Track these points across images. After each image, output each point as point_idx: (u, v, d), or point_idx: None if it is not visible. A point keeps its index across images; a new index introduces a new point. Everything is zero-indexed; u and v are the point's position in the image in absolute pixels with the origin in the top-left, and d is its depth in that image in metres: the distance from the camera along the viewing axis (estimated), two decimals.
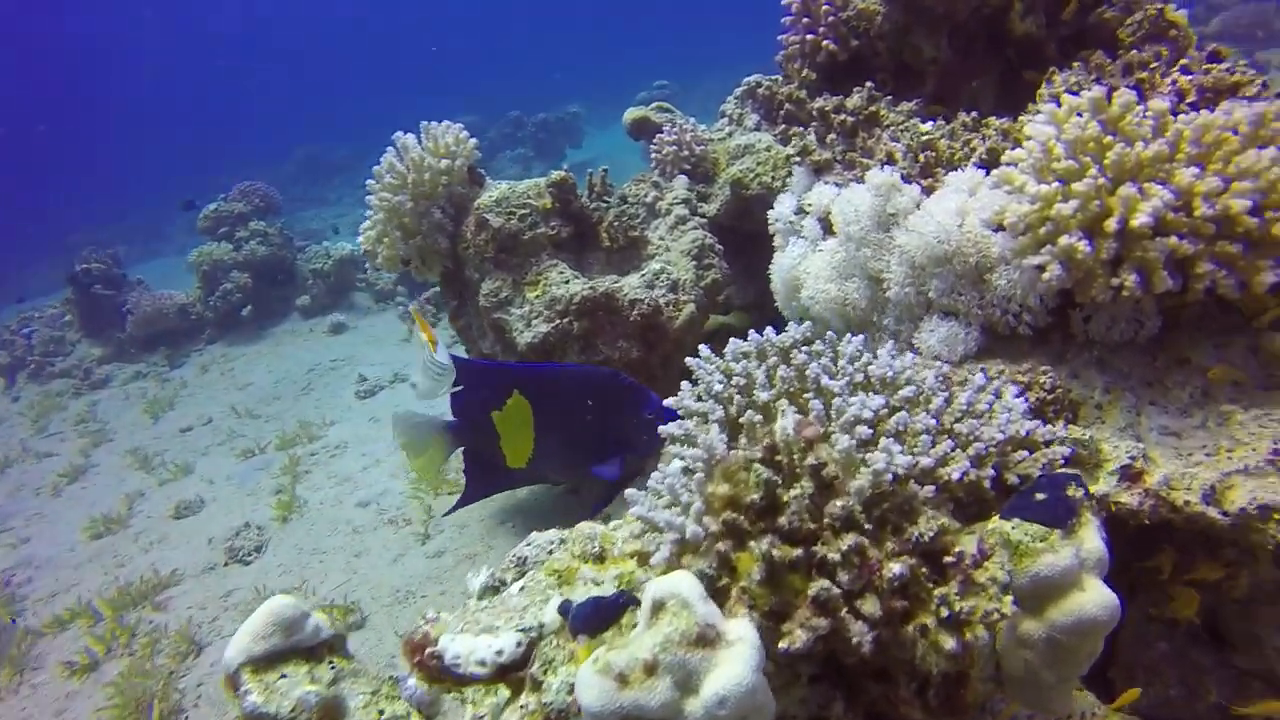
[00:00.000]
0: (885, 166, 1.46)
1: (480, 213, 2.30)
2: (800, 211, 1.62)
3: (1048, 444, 0.94)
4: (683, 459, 0.90)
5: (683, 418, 1.01)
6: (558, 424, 2.06)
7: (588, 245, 2.43)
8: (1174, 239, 0.97)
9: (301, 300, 6.28)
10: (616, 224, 2.31)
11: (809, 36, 1.97)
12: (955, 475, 0.86)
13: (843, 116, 1.60)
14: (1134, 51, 1.26)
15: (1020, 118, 1.45)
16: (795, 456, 0.80)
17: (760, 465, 0.80)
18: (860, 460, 0.83)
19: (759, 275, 2.53)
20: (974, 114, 1.49)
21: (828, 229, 1.56)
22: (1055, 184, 1.03)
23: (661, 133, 2.77)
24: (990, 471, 0.87)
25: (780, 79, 2.58)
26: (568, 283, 2.25)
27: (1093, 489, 1.03)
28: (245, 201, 6.35)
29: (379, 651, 2.25)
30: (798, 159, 1.68)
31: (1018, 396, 1.03)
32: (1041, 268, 1.05)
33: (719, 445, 0.82)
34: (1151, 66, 1.26)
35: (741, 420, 0.91)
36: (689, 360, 1.09)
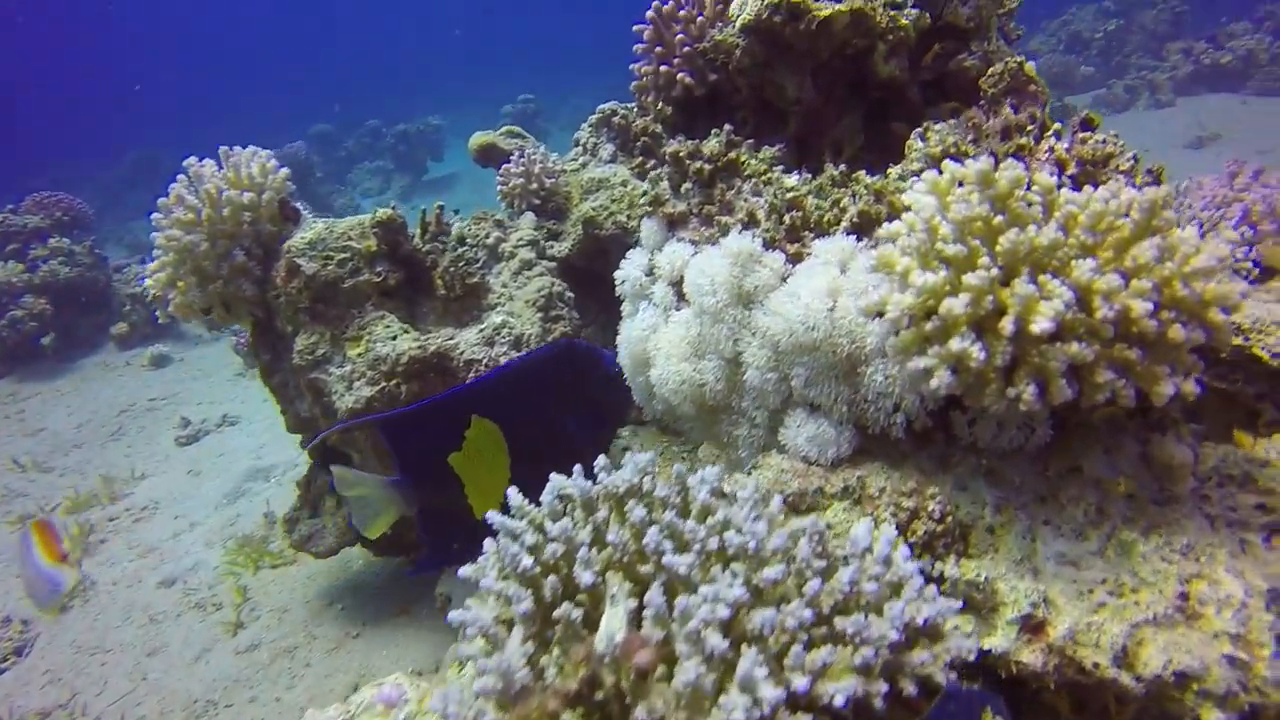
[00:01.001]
0: (746, 230, 1.27)
1: (292, 257, 1.97)
2: (651, 272, 1.41)
3: (949, 631, 0.76)
4: (476, 669, 0.66)
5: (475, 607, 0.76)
6: (535, 435, 1.58)
7: (421, 291, 2.14)
8: (1074, 345, 0.80)
9: (118, 328, 5.57)
10: (453, 270, 2.04)
11: (663, 68, 1.77)
12: (839, 700, 0.65)
13: (699, 164, 1.40)
14: (1009, 110, 1.13)
15: (890, 172, 1.30)
16: (623, 688, 0.58)
17: None
18: (711, 702, 0.61)
19: (616, 320, 2.32)
20: (842, 168, 1.32)
21: (681, 295, 1.35)
22: (943, 272, 0.85)
23: (509, 162, 2.51)
24: (882, 686, 0.68)
25: (636, 108, 2.39)
26: (395, 339, 1.96)
27: (988, 643, 0.86)
28: (43, 215, 5.57)
29: None
30: (649, 208, 1.47)
31: (906, 547, 0.84)
32: (928, 371, 0.87)
33: (517, 670, 0.59)
34: (1028, 130, 1.13)
35: (556, 615, 0.68)
36: (492, 516, 0.84)
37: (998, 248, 0.87)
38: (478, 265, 2.10)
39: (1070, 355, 0.83)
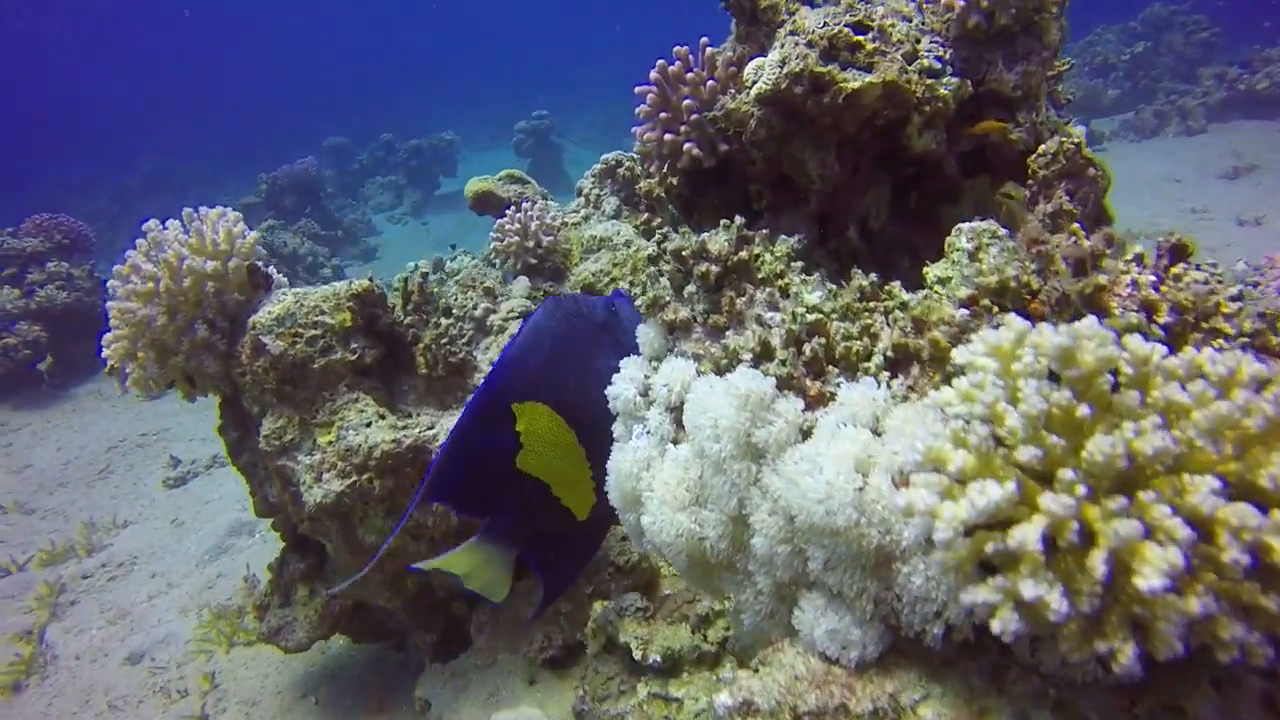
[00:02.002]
0: (757, 364, 1.07)
1: (256, 334, 1.79)
2: (647, 392, 1.21)
3: None
4: None
5: None
6: (584, 393, 1.28)
7: (402, 367, 1.95)
8: (1193, 603, 0.60)
9: None
10: (435, 348, 1.85)
11: (668, 136, 1.58)
12: None
13: (705, 266, 1.20)
14: (1085, 239, 0.92)
15: (933, 286, 1.09)
16: None
17: None
18: None
19: None
20: (873, 278, 1.12)
21: (680, 422, 1.15)
22: (1011, 486, 0.65)
23: (504, 215, 2.32)
24: None
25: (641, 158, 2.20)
26: (368, 426, 1.77)
27: None
28: (42, 238, 5.44)
29: None
30: (645, 308, 1.27)
31: None
32: (989, 607, 0.66)
33: None
34: (1101, 257, 0.92)
35: None
36: None
37: (1084, 457, 0.66)
38: (463, 341, 1.91)
39: (1187, 615, 0.62)
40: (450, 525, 1.78)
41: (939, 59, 1.49)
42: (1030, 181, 1.48)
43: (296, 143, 16.19)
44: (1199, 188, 6.63)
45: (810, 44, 1.40)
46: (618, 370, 1.23)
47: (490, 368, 1.38)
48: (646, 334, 1.32)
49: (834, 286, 1.16)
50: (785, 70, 1.38)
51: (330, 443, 1.77)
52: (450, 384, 1.90)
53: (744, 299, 1.21)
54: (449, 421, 1.79)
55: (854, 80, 1.36)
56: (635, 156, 2.38)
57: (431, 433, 1.76)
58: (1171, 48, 10.32)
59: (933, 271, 1.29)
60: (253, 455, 1.99)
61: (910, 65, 1.43)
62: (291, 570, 2.10)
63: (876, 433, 0.92)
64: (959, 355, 0.81)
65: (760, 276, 1.22)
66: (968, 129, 1.54)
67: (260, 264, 1.96)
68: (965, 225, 1.29)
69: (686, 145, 1.55)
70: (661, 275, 1.32)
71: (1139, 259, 0.95)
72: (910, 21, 1.55)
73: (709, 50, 1.55)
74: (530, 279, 2.19)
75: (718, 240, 1.23)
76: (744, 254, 1.23)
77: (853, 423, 0.93)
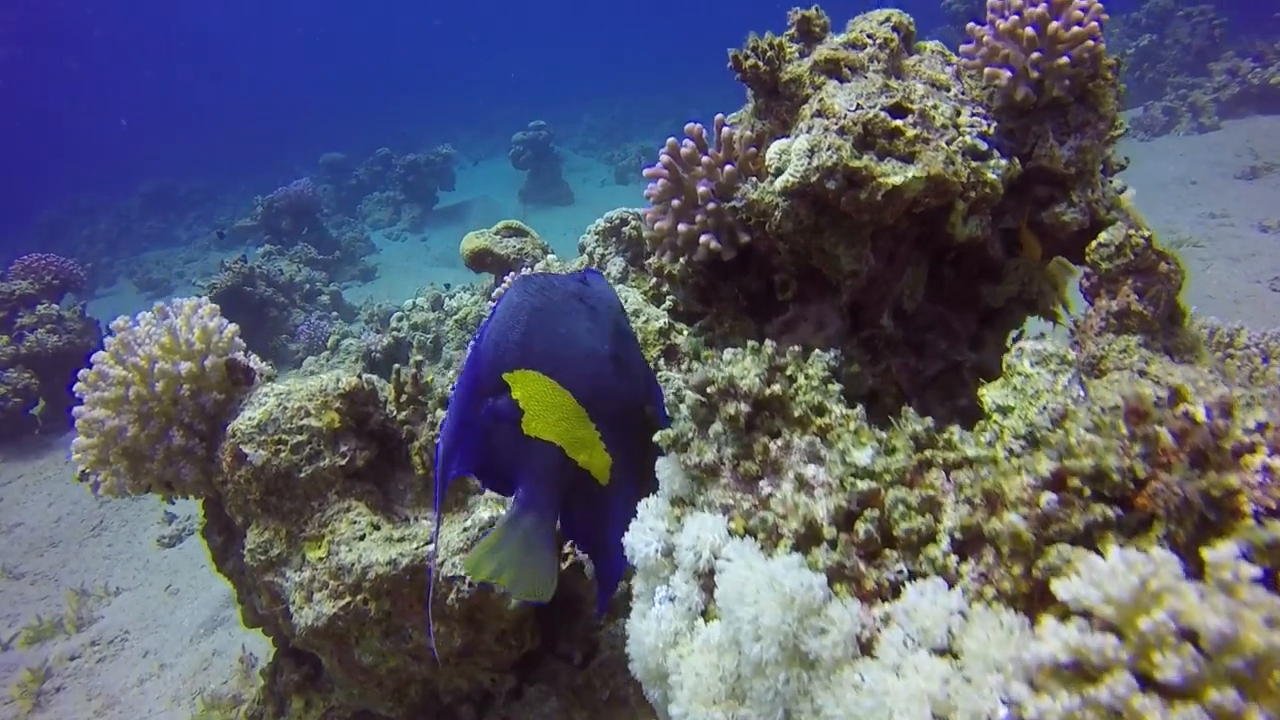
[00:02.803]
0: (801, 547, 0.91)
1: (236, 443, 1.64)
2: (670, 552, 1.06)
3: None
4: None
5: None
6: (570, 357, 1.27)
7: (398, 465, 1.80)
8: None
9: None
10: (433, 448, 1.70)
11: (683, 227, 1.42)
12: None
13: (734, 407, 1.05)
14: (1202, 414, 0.76)
15: (1012, 460, 0.93)
16: None
17: None
18: None
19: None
20: (928, 424, 0.97)
21: (710, 590, 1.00)
22: None
23: (505, 278, 2.17)
24: None
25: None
26: (361, 540, 1.62)
27: None
28: (32, 280, 5.31)
29: None
30: (667, 446, 1.12)
31: None
32: None
33: None
34: (1221, 439, 0.76)
35: None
36: None
37: None
38: None
39: None
40: (454, 645, 1.63)
41: (984, 136, 1.33)
42: (1090, 271, 1.32)
43: (293, 158, 16.08)
44: (1216, 190, 6.44)
45: (842, 131, 1.24)
46: (594, 333, 1.28)
47: (470, 347, 1.30)
48: (666, 472, 1.16)
49: (883, 436, 1.00)
50: (815, 163, 1.22)
51: (321, 559, 1.62)
52: (451, 485, 1.74)
53: (779, 444, 1.05)
54: (449, 531, 1.64)
55: (895, 175, 1.20)
56: (640, 214, 2.23)
57: (431, 547, 1.61)
58: (1179, 39, 10.11)
59: (991, 395, 1.14)
60: (239, 562, 1.84)
61: (952, 146, 1.27)
62: (285, 680, 1.95)
63: (952, 652, 0.77)
64: (1062, 591, 0.66)
65: (796, 415, 1.07)
66: (1017, 245, 1.39)
67: (240, 354, 1.81)
68: (1028, 345, 1.13)
69: (704, 238, 1.39)
70: (680, 407, 1.16)
71: (1261, 428, 0.79)
72: (949, 91, 1.39)
73: (725, 130, 1.39)
74: None
75: (748, 376, 1.07)
76: (776, 389, 1.07)
77: (921, 640, 0.77)
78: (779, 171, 1.30)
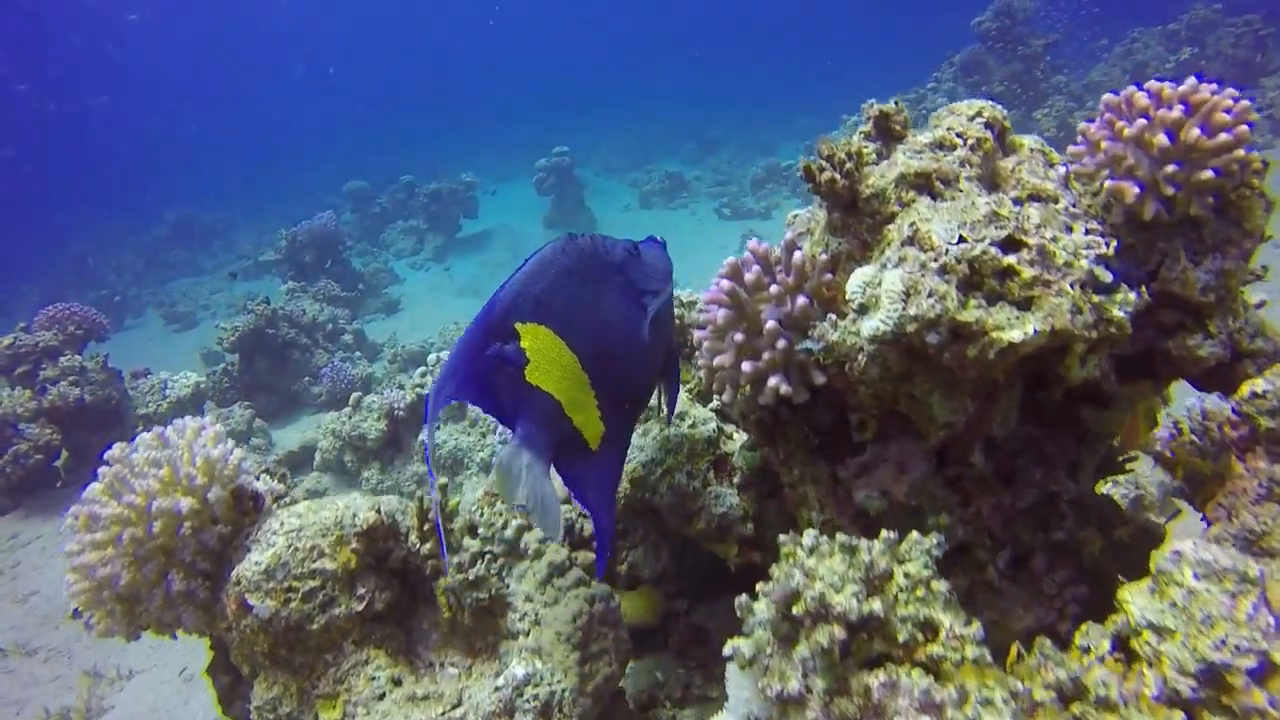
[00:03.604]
0: None
1: (241, 591, 1.46)
2: None
3: None
4: None
5: None
6: (587, 325, 1.31)
7: (422, 600, 1.62)
8: None
9: None
10: (459, 596, 1.51)
11: (747, 367, 1.22)
12: None
13: (827, 632, 0.85)
14: None
15: (1161, 671, 0.73)
16: None
17: None
18: None
19: (668, 534, 1.89)
20: (1074, 673, 0.77)
21: None
22: None
23: None
24: None
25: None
26: (380, 699, 1.44)
27: None
28: (55, 331, 5.23)
29: None
30: (741, 667, 0.92)
31: None
32: None
33: None
34: None
35: None
36: None
37: None
38: (494, 570, 1.58)
39: None
40: None
41: (1104, 261, 1.12)
42: (1239, 419, 1.11)
43: (316, 185, 16.13)
44: (1275, 216, 6.13)
45: (944, 271, 1.04)
46: (619, 308, 1.31)
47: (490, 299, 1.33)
48: (740, 691, 0.97)
49: (1021, 691, 0.79)
50: (913, 312, 1.03)
51: None
52: (480, 627, 1.56)
53: (882, 682, 0.85)
54: (478, 696, 1.45)
55: (1011, 330, 1.00)
56: (697, 342, 2.03)
57: (459, 712, 1.42)
58: (1221, 51, 9.78)
59: (1139, 607, 0.93)
60: (245, 709, 1.67)
61: (1075, 288, 1.07)
62: None
63: None
64: None
65: (900, 639, 0.87)
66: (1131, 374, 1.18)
67: (249, 479, 1.64)
68: (1189, 552, 0.92)
69: (773, 381, 1.19)
70: (753, 613, 0.97)
71: None
72: (1057, 204, 1.18)
73: (797, 255, 1.20)
74: None
75: (844, 591, 0.87)
76: (876, 605, 0.87)
77: None
78: (864, 309, 1.10)
